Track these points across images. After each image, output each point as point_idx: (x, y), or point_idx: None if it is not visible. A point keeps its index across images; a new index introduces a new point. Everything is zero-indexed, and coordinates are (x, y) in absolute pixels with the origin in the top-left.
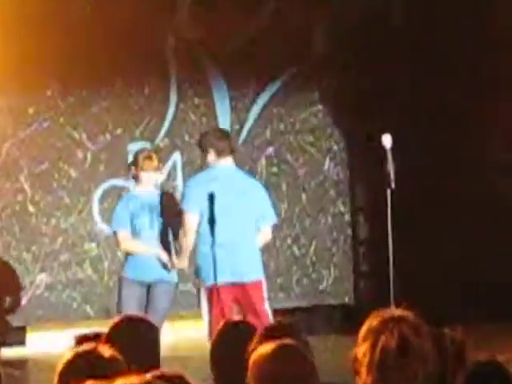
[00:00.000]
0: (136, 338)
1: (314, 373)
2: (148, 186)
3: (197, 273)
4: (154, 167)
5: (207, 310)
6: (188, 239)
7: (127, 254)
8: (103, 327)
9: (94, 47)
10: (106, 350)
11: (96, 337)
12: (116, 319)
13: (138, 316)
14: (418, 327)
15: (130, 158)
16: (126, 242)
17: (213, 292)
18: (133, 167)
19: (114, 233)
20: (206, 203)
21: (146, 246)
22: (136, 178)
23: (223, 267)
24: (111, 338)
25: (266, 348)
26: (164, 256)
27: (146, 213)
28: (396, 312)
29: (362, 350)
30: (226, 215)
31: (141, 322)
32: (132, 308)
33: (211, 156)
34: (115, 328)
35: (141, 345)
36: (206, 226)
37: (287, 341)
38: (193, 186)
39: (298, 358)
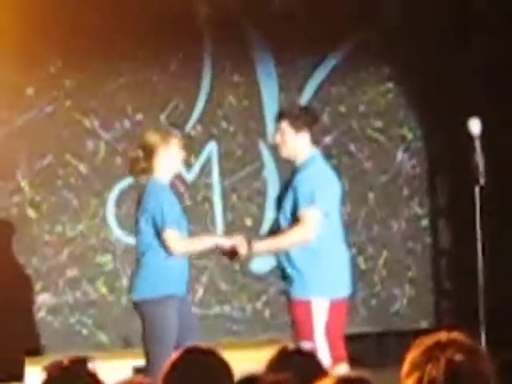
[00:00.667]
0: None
1: None
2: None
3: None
4: (182, 144)
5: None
6: (308, 237)
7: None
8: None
9: (110, 13)
10: None
11: (72, 363)
12: (176, 354)
13: (207, 347)
14: (472, 350)
15: (139, 152)
16: (181, 240)
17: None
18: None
19: (165, 232)
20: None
21: (202, 239)
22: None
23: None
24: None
25: None
26: (230, 241)
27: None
28: (442, 336)
29: None
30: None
31: (213, 356)
32: (175, 336)
33: (306, 139)
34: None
35: None
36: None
37: None
38: (320, 179)
39: None
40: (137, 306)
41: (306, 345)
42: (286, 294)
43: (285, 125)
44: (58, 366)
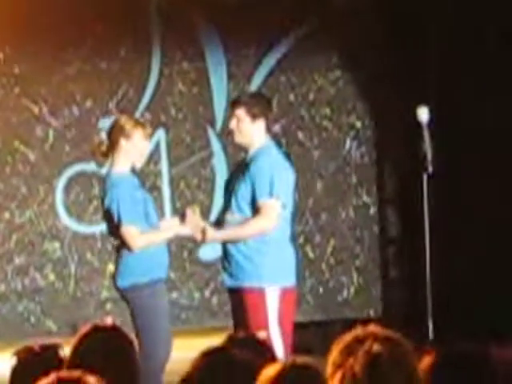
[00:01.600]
0: (110, 353)
1: None
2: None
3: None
4: (148, 135)
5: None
6: (269, 225)
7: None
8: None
9: (59, 0)
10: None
11: (43, 350)
12: (83, 330)
13: (109, 325)
14: (391, 340)
15: (103, 136)
16: (139, 236)
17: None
18: (111, 140)
19: (122, 228)
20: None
21: (160, 232)
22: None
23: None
24: (76, 353)
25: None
26: (188, 229)
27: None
28: (360, 331)
29: None
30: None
31: (114, 332)
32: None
33: (261, 127)
34: (83, 340)
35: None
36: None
37: None
38: (278, 170)
39: None
40: (124, 292)
41: (260, 334)
42: (229, 282)
43: (241, 112)
44: (28, 352)
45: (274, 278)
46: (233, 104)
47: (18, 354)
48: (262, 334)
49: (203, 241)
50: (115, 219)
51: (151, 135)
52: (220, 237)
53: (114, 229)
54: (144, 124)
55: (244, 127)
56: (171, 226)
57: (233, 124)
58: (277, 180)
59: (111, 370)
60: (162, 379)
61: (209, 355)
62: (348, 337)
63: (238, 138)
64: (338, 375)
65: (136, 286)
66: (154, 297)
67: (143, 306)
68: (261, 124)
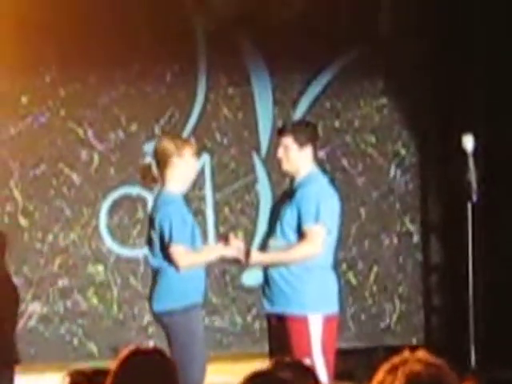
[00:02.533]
0: (151, 377)
1: None
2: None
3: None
4: (196, 152)
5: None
6: (314, 251)
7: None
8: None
9: (107, 23)
10: None
11: (95, 374)
12: (123, 353)
13: (151, 348)
14: (433, 364)
15: (149, 160)
16: (186, 256)
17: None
18: (161, 160)
19: (171, 247)
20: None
21: (205, 252)
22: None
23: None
24: (117, 377)
25: None
26: (232, 251)
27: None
28: (406, 354)
29: None
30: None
31: (155, 355)
32: (203, 343)
33: (308, 154)
34: (123, 364)
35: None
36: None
37: None
38: (324, 196)
39: None
40: (159, 317)
41: (306, 360)
42: (269, 308)
43: (288, 140)
44: (81, 375)
45: (317, 306)
46: (280, 132)
47: (70, 375)
48: (307, 361)
49: (247, 263)
50: (165, 237)
51: (198, 153)
52: (264, 260)
53: (159, 248)
54: (190, 141)
55: (291, 155)
56: (215, 248)
57: (280, 152)
58: (323, 206)
59: None
60: None
61: (255, 377)
62: (395, 359)
63: (286, 166)
64: None
65: (171, 311)
66: (189, 322)
67: (178, 331)
68: (308, 151)
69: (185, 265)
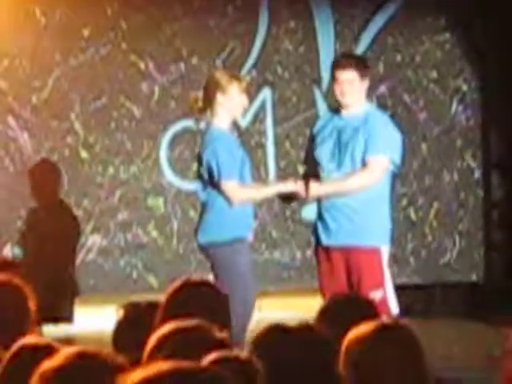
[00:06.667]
0: (201, 307)
1: None
2: (233, 118)
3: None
4: (245, 89)
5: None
6: (372, 180)
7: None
8: None
9: None
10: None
11: (149, 307)
12: (175, 284)
13: (200, 280)
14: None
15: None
16: (240, 190)
17: None
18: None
19: (222, 182)
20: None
21: (262, 187)
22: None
23: None
24: (169, 306)
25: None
26: (290, 184)
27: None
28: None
29: None
30: None
31: (204, 287)
32: (250, 276)
33: (366, 87)
34: (175, 294)
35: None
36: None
37: None
38: (388, 128)
39: None
40: (204, 248)
41: (376, 294)
42: (333, 243)
43: (352, 73)
44: (135, 308)
45: (386, 238)
46: (341, 65)
47: (124, 308)
48: (377, 295)
49: (308, 196)
50: (214, 173)
51: (249, 88)
52: (325, 190)
53: (209, 183)
54: (240, 77)
55: (356, 88)
56: (273, 183)
57: (345, 85)
58: (390, 138)
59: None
60: (243, 339)
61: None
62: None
63: (349, 99)
64: None
65: (214, 243)
66: (233, 255)
67: (221, 264)
68: (366, 84)
69: (240, 198)
